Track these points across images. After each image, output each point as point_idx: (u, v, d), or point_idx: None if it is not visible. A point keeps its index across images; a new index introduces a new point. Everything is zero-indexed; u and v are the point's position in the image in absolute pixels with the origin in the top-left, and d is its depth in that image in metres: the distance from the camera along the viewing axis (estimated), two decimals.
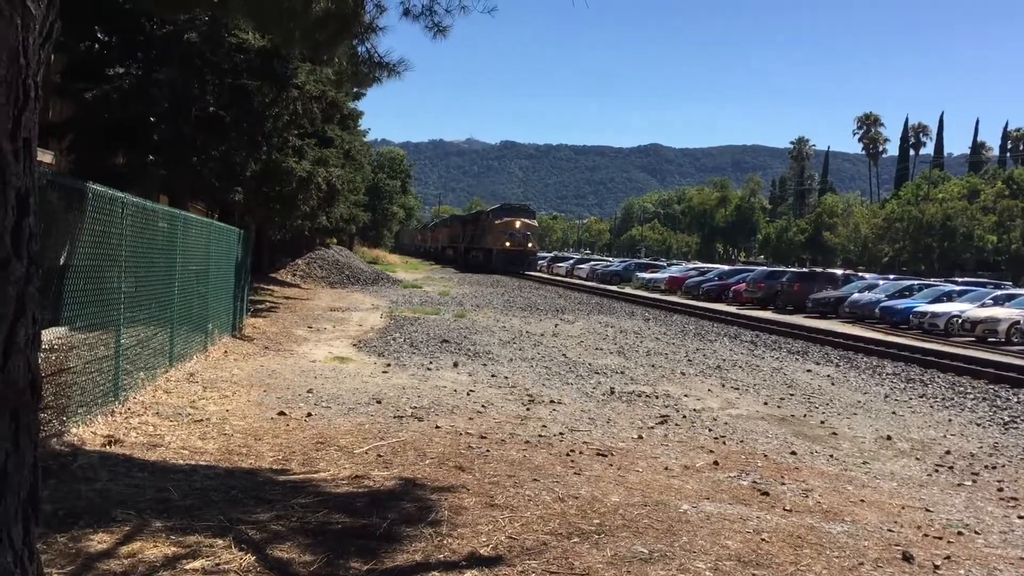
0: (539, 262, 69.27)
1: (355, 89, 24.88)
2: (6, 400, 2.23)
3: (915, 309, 29.07)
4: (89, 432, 7.60)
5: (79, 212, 7.79)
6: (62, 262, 8.06)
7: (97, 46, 18.22)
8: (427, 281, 46.80)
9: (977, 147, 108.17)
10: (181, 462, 7.15)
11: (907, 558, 5.75)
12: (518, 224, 61.91)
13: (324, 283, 40.01)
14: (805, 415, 11.83)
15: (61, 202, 7.66)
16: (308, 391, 11.18)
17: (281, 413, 9.55)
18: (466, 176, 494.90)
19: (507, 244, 61.00)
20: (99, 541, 5.00)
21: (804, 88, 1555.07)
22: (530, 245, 63.06)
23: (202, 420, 8.85)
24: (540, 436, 9.23)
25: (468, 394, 11.75)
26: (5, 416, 2.23)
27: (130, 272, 9.17)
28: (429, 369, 14.09)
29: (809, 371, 16.77)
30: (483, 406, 10.88)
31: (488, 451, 8.27)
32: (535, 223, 67.72)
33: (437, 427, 9.35)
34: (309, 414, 9.62)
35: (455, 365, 14.65)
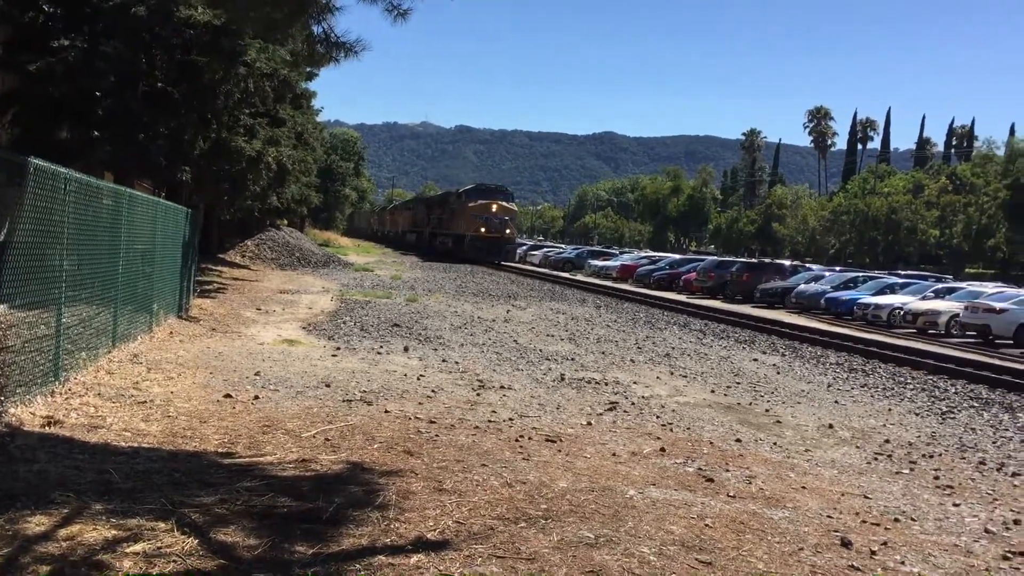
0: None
1: (309, 69, 24.58)
2: None
3: (859, 301, 29.69)
4: (28, 413, 7.43)
5: (20, 187, 7.59)
6: (2, 238, 7.84)
7: (42, 17, 17.71)
8: (379, 265, 46.51)
9: (922, 143, 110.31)
10: (123, 444, 7.02)
11: (845, 544, 5.87)
12: (495, 207, 54.74)
13: (274, 265, 39.57)
14: (751, 403, 12.00)
15: (1, 176, 7.46)
16: (256, 374, 11.06)
17: (227, 396, 9.43)
18: (420, 160, 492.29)
19: (482, 230, 53.93)
20: (37, 523, 4.90)
21: (757, 81, 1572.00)
22: (508, 232, 55.54)
23: (145, 402, 8.71)
24: (490, 421, 9.24)
25: (418, 379, 11.72)
26: None
27: (72, 250, 8.96)
28: (379, 353, 14.02)
29: (755, 360, 17.02)
30: (433, 391, 10.86)
31: (437, 436, 8.26)
32: (513, 207, 59.59)
33: (386, 411, 9.31)
34: (256, 397, 9.52)
35: (405, 349, 14.59)
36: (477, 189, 58.29)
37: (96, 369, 9.84)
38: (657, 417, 10.38)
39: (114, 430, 7.46)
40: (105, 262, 10.75)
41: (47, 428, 7.16)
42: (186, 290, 17.45)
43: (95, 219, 10.06)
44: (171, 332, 14.28)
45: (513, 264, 55.98)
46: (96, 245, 10.20)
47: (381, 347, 14.71)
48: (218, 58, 18.30)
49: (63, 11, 17.59)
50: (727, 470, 7.91)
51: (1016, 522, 6.92)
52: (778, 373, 15.35)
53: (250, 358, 12.46)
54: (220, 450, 7.16)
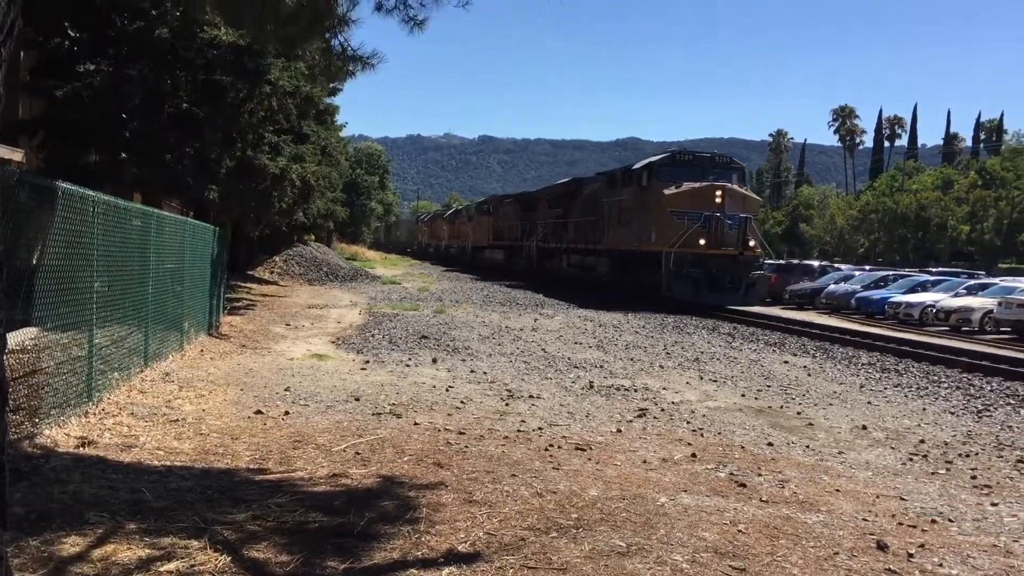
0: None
1: (330, 84, 24.76)
2: None
3: (890, 299, 29.38)
4: (62, 434, 7.51)
5: (50, 211, 7.70)
6: (35, 262, 7.95)
7: (67, 43, 17.99)
8: (406, 277, 46.67)
9: (950, 138, 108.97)
10: (156, 463, 7.08)
11: (881, 547, 5.79)
12: (719, 196, 28.42)
13: (302, 280, 39.84)
14: (782, 406, 11.90)
15: (31, 201, 7.56)
16: (286, 389, 11.12)
17: (258, 412, 9.49)
18: (444, 171, 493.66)
19: (701, 242, 28.27)
20: (72, 544, 4.95)
21: (781, 81, 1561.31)
22: (751, 243, 29.26)
23: (178, 420, 8.78)
24: (519, 431, 9.22)
25: (447, 390, 11.73)
26: None
27: (103, 271, 9.07)
28: (408, 365, 14.05)
29: (786, 362, 16.87)
30: (462, 402, 10.86)
31: (467, 447, 8.26)
32: (752, 194, 33.23)
33: (416, 424, 9.32)
34: (287, 412, 9.57)
35: (434, 361, 14.61)
36: (674, 161, 30.99)
37: (129, 389, 9.94)
38: (687, 423, 10.31)
39: (147, 449, 7.53)
40: (135, 282, 10.88)
41: (81, 449, 7.24)
42: (216, 308, 17.60)
43: (124, 240, 10.17)
44: (202, 350, 14.40)
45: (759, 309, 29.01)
46: (126, 266, 10.32)
47: (410, 359, 14.74)
48: (242, 77, 18.49)
49: (88, 36, 17.85)
50: (759, 475, 7.84)
51: None
52: (809, 375, 15.20)
53: (280, 374, 12.53)
54: (252, 466, 7.20)
